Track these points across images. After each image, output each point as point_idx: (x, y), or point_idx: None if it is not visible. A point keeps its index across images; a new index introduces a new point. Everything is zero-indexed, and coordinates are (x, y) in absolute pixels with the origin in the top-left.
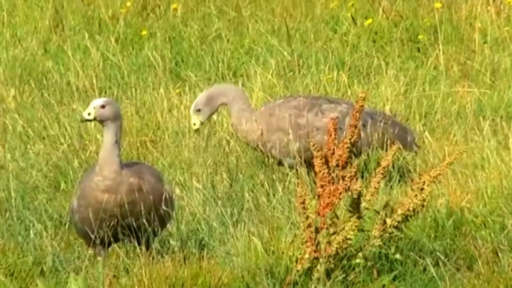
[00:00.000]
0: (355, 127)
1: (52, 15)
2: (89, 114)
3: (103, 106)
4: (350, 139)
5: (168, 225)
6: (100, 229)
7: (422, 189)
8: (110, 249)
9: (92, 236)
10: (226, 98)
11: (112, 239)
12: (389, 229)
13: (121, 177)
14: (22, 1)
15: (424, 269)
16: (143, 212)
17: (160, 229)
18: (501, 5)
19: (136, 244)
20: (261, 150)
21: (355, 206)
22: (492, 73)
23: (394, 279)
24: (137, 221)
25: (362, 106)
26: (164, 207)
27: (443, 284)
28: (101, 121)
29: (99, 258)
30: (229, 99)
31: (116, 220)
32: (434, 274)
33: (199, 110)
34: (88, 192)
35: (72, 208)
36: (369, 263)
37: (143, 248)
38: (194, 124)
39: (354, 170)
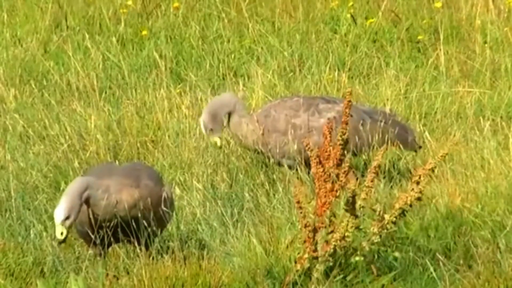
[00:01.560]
0: (346, 123)
1: (52, 15)
2: (61, 234)
3: (67, 218)
4: (341, 136)
5: (167, 226)
6: (100, 230)
7: (418, 183)
8: (110, 249)
9: (92, 237)
10: (229, 107)
11: (112, 239)
12: (387, 225)
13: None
14: (22, 1)
15: (424, 269)
16: (142, 215)
17: (160, 229)
18: (501, 5)
19: (136, 244)
20: (261, 152)
21: (350, 205)
22: (492, 73)
23: (393, 279)
24: (137, 223)
25: (350, 101)
26: (164, 208)
27: (443, 284)
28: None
29: (98, 258)
30: (231, 107)
31: (116, 221)
32: (434, 274)
33: (212, 130)
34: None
35: None
36: (367, 259)
37: (143, 248)
38: (216, 143)
39: (347, 165)
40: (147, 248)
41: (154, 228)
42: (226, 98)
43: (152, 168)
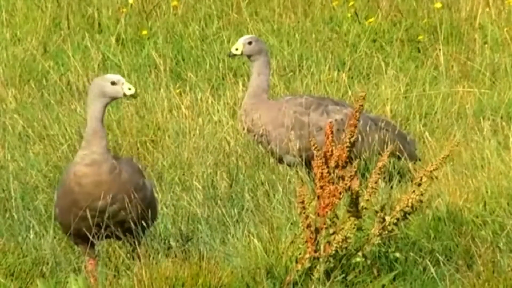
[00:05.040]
0: (355, 126)
1: (52, 15)
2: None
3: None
4: (349, 139)
5: (154, 222)
6: (82, 221)
7: (419, 184)
8: (98, 247)
9: (71, 229)
10: (263, 56)
11: (96, 235)
12: (389, 227)
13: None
14: (22, 1)
15: (424, 269)
16: (118, 199)
17: (146, 225)
18: (501, 5)
19: (125, 242)
20: (263, 144)
21: (353, 206)
22: (492, 73)
23: (394, 279)
24: (114, 210)
25: (362, 105)
26: (142, 200)
27: (443, 284)
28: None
29: (86, 258)
30: (260, 61)
31: (93, 208)
32: (434, 274)
33: (250, 43)
34: (66, 174)
35: (54, 204)
36: (369, 263)
37: (143, 247)
38: (237, 49)
39: (354, 169)
40: (138, 243)
41: (135, 221)
42: (266, 51)
43: (132, 160)
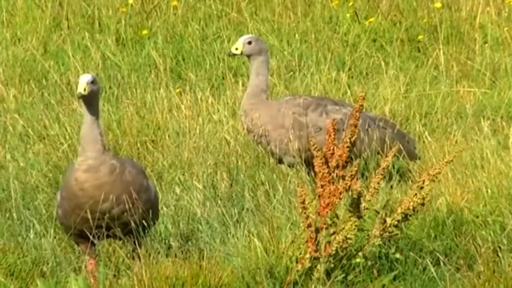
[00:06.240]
0: (355, 126)
1: (52, 15)
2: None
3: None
4: (350, 139)
5: (156, 223)
6: (85, 222)
7: (421, 187)
8: (98, 247)
9: (72, 229)
10: (263, 56)
11: (96, 234)
12: (389, 229)
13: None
14: (23, 1)
15: (424, 269)
16: (122, 201)
17: (148, 226)
18: (501, 5)
19: (126, 242)
20: (263, 145)
21: (355, 206)
22: (492, 73)
23: (394, 279)
24: (118, 212)
25: (361, 105)
26: (146, 201)
27: (443, 284)
28: None
29: (87, 258)
30: (260, 61)
31: (97, 210)
32: (434, 274)
33: (250, 43)
34: (69, 178)
35: (57, 204)
36: (369, 263)
37: (143, 248)
38: (236, 49)
39: (355, 170)
40: (136, 245)
41: (138, 222)
42: (265, 48)
43: (134, 161)
